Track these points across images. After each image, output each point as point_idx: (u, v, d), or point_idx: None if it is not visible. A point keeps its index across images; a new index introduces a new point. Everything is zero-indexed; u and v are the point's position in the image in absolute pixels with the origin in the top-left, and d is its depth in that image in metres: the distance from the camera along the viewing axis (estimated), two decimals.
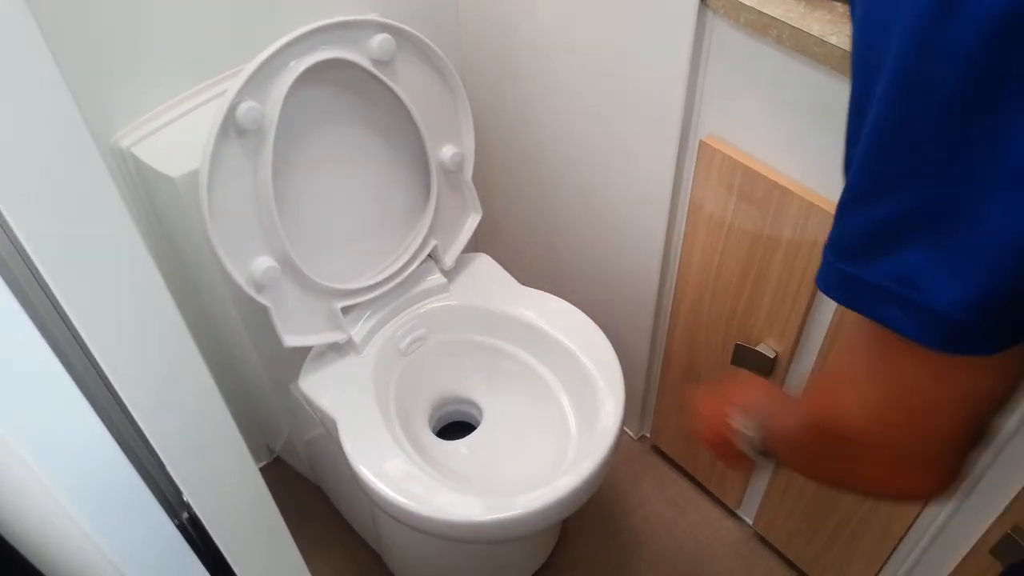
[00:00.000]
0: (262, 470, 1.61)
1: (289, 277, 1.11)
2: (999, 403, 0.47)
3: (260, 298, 1.08)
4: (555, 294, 1.29)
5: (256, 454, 1.60)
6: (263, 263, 1.06)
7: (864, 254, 0.44)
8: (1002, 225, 0.37)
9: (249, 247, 1.05)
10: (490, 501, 1.04)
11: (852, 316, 0.47)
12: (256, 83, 0.98)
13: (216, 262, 1.03)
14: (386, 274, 1.23)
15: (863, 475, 0.54)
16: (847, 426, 0.52)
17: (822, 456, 0.58)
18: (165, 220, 1.12)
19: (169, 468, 0.48)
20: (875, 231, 0.43)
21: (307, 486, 1.58)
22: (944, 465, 0.50)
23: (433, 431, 1.30)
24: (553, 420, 1.24)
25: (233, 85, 0.96)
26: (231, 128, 0.97)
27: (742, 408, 0.73)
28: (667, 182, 1.18)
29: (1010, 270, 0.39)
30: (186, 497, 0.51)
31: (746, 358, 1.21)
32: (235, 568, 0.56)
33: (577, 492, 1.06)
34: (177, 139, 1.04)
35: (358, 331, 1.23)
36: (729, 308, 1.21)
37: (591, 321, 1.24)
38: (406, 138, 1.17)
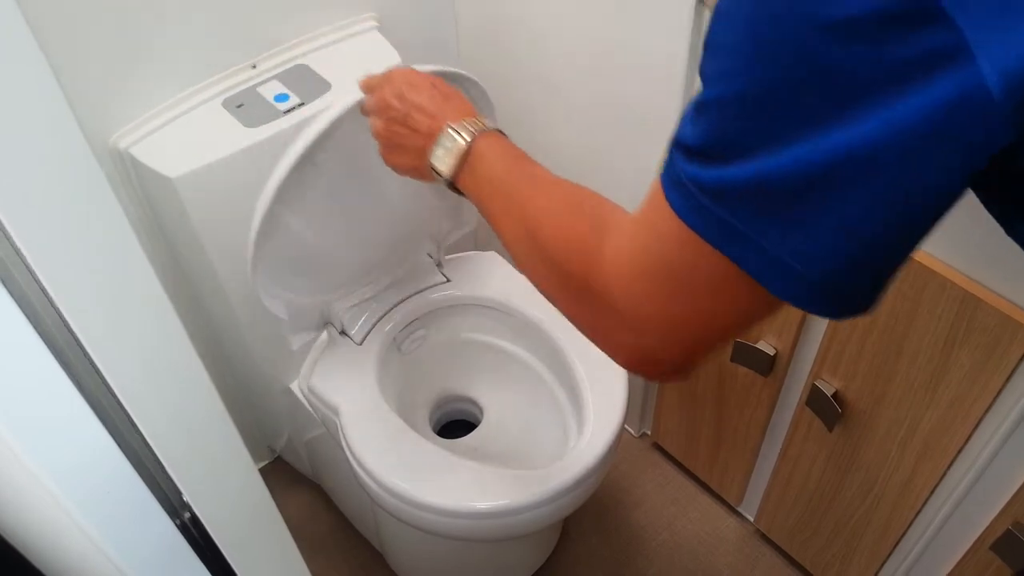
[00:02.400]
0: (263, 470, 1.61)
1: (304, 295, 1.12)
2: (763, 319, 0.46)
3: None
4: None
5: (257, 454, 1.60)
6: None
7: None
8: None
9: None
10: (487, 493, 1.05)
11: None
12: None
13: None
14: (385, 279, 1.23)
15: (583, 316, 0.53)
16: (603, 287, 0.49)
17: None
18: (164, 221, 1.12)
19: (169, 469, 0.48)
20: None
21: (308, 486, 1.58)
22: (678, 361, 0.48)
23: (434, 429, 1.30)
24: (553, 418, 1.24)
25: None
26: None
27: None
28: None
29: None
30: (186, 498, 0.51)
31: (745, 355, 1.21)
32: (236, 568, 0.57)
33: (575, 491, 1.06)
34: (175, 139, 1.04)
35: (360, 327, 1.23)
36: None
37: None
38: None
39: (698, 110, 0.40)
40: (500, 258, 1.34)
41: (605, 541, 1.50)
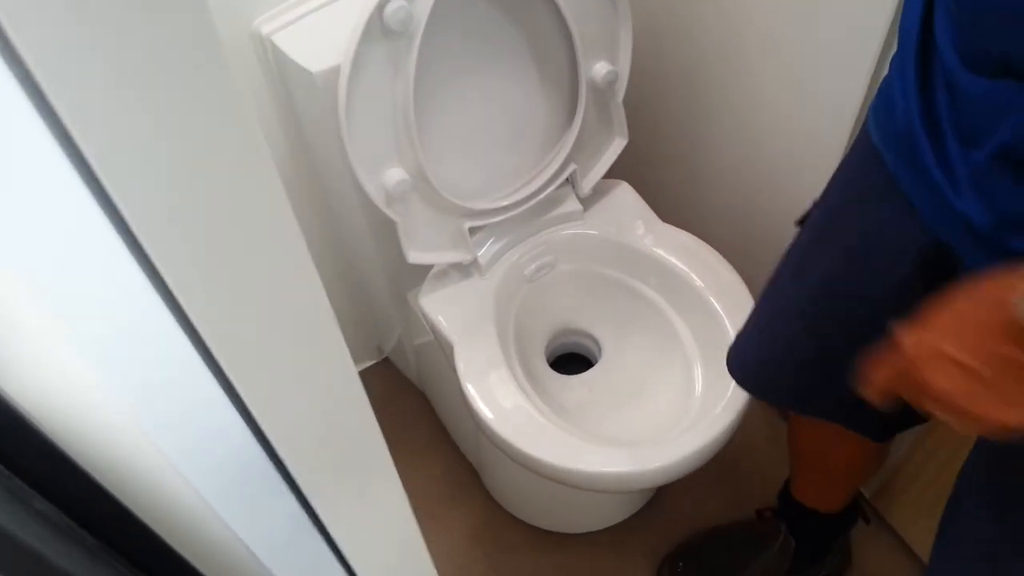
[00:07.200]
0: (370, 369, 1.62)
1: (420, 191, 1.05)
2: None
3: (389, 211, 1.03)
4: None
5: (366, 352, 1.60)
6: (395, 175, 1.00)
7: None
8: None
9: (383, 156, 1.00)
10: (602, 452, 1.00)
11: None
12: None
13: (348, 168, 0.98)
14: (520, 195, 1.15)
15: None
16: None
17: None
18: (300, 114, 1.08)
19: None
20: None
21: (412, 391, 1.57)
22: None
23: (548, 360, 1.25)
24: (678, 372, 1.16)
25: None
26: (377, 28, 0.90)
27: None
28: (845, 133, 1.04)
29: None
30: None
31: None
32: (301, 484, 0.52)
33: (699, 455, 1.00)
34: (320, 30, 0.98)
35: (484, 253, 1.17)
36: None
37: (737, 275, 1.15)
38: (557, 51, 1.08)
39: None
40: (631, 189, 1.26)
41: (705, 496, 1.44)
